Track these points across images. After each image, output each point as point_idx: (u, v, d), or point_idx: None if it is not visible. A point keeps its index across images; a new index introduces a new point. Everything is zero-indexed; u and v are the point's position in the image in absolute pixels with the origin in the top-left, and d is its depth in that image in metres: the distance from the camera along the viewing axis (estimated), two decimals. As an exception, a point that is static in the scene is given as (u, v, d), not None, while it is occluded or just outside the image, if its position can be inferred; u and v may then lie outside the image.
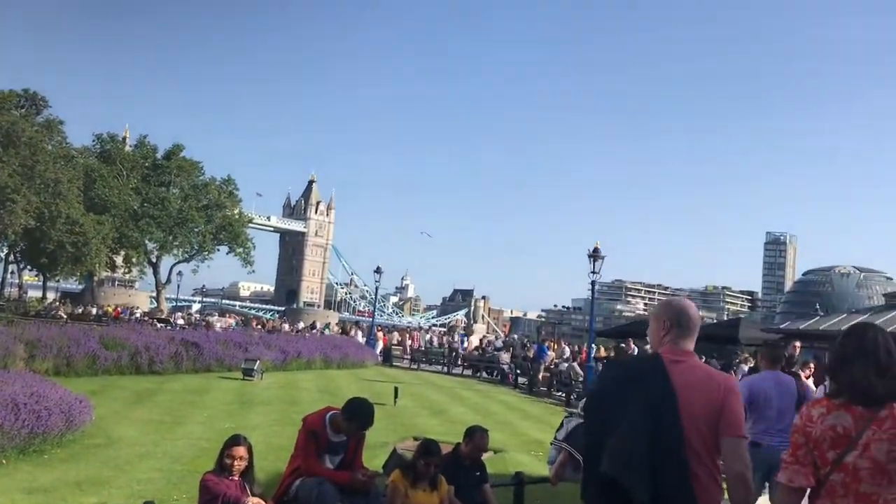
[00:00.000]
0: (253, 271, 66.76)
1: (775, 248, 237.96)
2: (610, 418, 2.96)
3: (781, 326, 31.48)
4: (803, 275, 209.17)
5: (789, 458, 2.77)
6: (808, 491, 2.73)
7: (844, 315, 29.08)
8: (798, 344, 14.01)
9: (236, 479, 5.24)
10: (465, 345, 36.22)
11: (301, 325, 48.39)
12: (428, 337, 41.93)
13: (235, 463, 5.25)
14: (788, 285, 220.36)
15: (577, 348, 32.20)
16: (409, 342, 38.18)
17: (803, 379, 12.39)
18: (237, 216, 63.07)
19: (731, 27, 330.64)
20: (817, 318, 30.18)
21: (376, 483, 5.70)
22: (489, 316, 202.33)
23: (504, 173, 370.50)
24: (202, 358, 21.31)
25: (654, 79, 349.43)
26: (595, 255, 23.21)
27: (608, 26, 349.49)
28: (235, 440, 5.37)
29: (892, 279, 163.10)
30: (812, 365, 14.35)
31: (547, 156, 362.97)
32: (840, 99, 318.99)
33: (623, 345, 18.31)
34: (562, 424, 8.11)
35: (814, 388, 12.26)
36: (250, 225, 73.26)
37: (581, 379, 22.21)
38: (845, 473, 2.63)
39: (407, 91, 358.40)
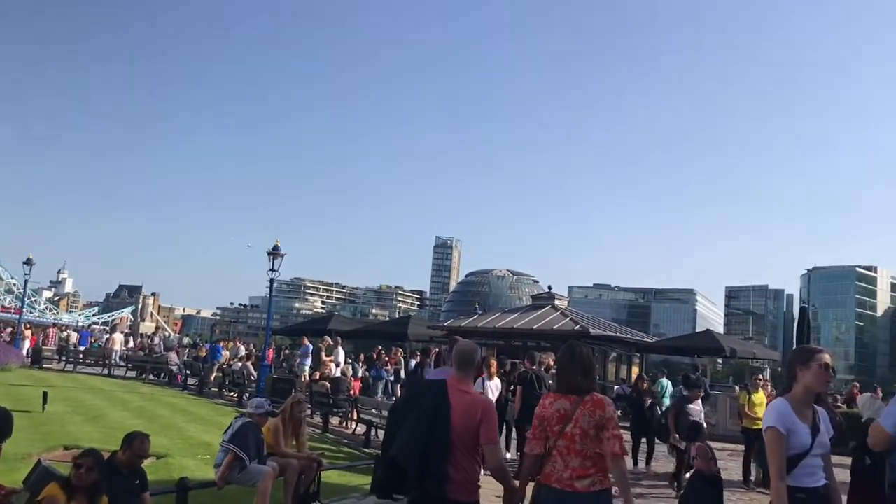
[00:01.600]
0: None
1: (443, 251, 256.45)
2: (400, 420, 4.46)
3: (445, 324, 33.96)
4: (466, 276, 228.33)
5: (531, 436, 4.51)
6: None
7: (499, 314, 32.20)
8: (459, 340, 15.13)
9: None
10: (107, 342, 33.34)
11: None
12: (65, 335, 38.10)
13: None
14: (453, 285, 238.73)
15: (251, 348, 31.59)
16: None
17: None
18: None
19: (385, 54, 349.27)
20: (476, 315, 33.04)
21: (14, 501, 5.07)
22: (159, 314, 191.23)
23: (180, 168, 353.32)
24: None
25: (331, 88, 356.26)
26: (275, 252, 22.93)
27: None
28: None
29: (538, 282, 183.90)
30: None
31: (225, 154, 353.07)
32: (501, 114, 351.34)
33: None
34: (230, 425, 7.93)
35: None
36: None
37: (254, 378, 21.85)
38: (566, 439, 4.27)
39: (77, 78, 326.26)
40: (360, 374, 21.01)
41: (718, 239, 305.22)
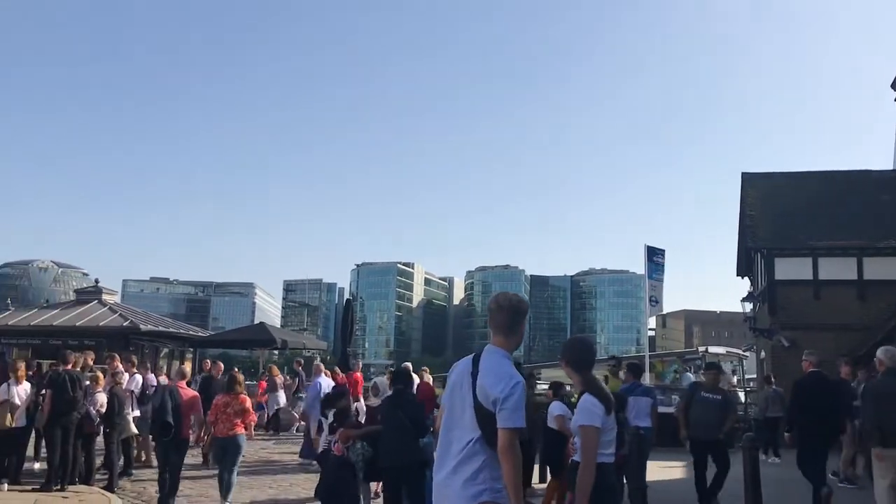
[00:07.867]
0: None
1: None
2: None
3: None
4: (0, 267, 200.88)
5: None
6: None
7: (36, 310, 29.09)
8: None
9: None
10: None
11: None
12: None
13: None
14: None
15: None
16: None
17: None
18: None
19: None
20: (8, 312, 29.55)
21: None
22: None
23: None
24: None
25: None
26: None
27: None
28: None
29: (88, 275, 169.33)
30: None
31: None
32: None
33: None
34: None
35: None
36: None
37: None
38: None
39: None
40: None
41: (278, 233, 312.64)
